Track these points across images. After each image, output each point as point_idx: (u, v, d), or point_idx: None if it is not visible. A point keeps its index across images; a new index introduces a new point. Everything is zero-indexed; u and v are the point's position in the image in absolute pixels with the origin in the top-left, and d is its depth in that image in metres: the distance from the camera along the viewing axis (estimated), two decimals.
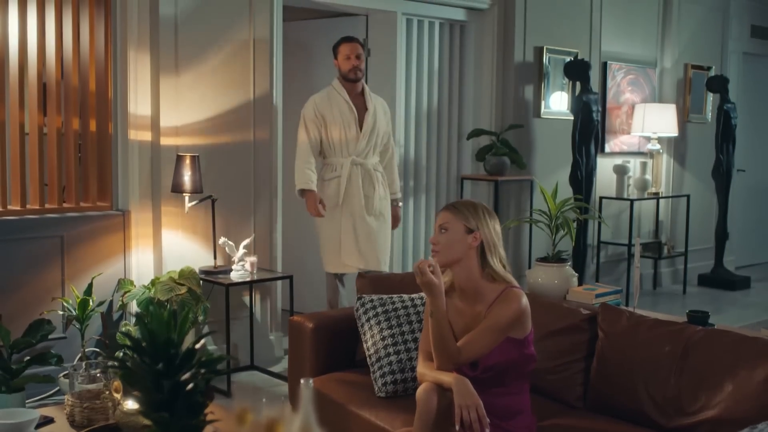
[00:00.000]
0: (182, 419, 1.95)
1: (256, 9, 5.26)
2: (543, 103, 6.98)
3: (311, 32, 6.57)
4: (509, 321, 2.83)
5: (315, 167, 5.15)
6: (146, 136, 4.97)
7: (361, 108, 5.20)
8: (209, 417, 2.06)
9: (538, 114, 6.95)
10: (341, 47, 5.16)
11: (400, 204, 5.56)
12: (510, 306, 2.84)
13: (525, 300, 2.88)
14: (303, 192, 5.11)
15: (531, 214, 6.20)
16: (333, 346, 3.85)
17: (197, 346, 2.00)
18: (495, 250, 2.91)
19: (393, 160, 5.43)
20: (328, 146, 5.18)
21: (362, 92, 5.25)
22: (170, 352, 1.91)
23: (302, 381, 1.84)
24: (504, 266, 2.94)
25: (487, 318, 2.85)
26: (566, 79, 7.08)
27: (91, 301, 4.55)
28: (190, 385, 1.95)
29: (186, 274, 4.78)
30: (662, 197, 8.14)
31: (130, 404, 2.59)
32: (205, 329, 5.00)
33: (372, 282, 4.00)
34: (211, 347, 5.11)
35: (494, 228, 2.93)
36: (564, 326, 3.46)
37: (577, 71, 6.93)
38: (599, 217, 7.23)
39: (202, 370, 1.98)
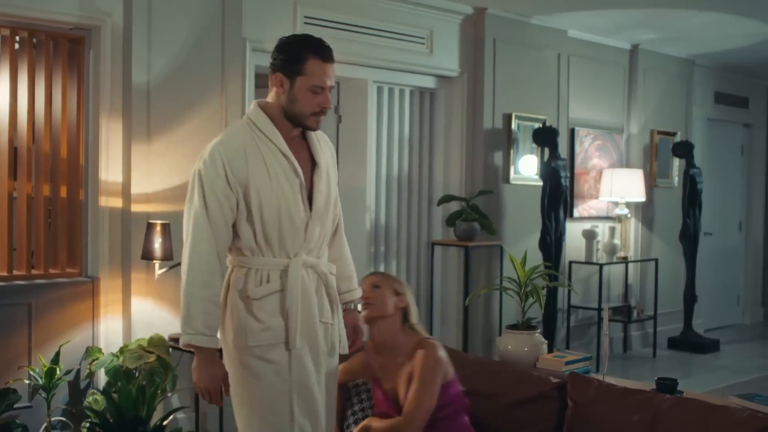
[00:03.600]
0: None
1: (229, 76, 5.31)
2: (512, 168, 7.06)
3: None
4: (438, 366, 3.26)
5: (218, 291, 2.84)
6: (117, 202, 4.96)
7: (305, 161, 2.95)
8: None
9: (507, 180, 7.03)
10: (310, 63, 2.85)
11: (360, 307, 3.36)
12: (433, 353, 3.28)
13: (441, 347, 3.35)
14: (194, 347, 2.81)
15: (501, 281, 6.23)
16: None
17: (165, 422, 1.99)
18: (414, 312, 3.44)
19: (342, 237, 3.23)
20: (249, 236, 2.87)
21: (302, 132, 2.98)
22: (137, 430, 1.91)
23: None
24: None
25: (416, 376, 3.22)
26: (535, 145, 7.18)
27: (58, 369, 4.49)
28: None
29: (155, 342, 4.74)
30: (631, 261, 8.22)
31: None
32: (174, 398, 4.94)
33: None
34: (181, 416, 5.05)
35: (412, 295, 3.49)
36: (533, 395, 3.48)
37: (545, 137, 7.03)
38: (569, 284, 7.28)
39: None
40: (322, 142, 3.06)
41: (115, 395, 1.93)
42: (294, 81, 2.84)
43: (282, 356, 2.85)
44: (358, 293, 3.26)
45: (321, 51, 2.87)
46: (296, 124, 2.91)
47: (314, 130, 2.95)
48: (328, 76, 2.85)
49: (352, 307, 3.22)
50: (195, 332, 2.76)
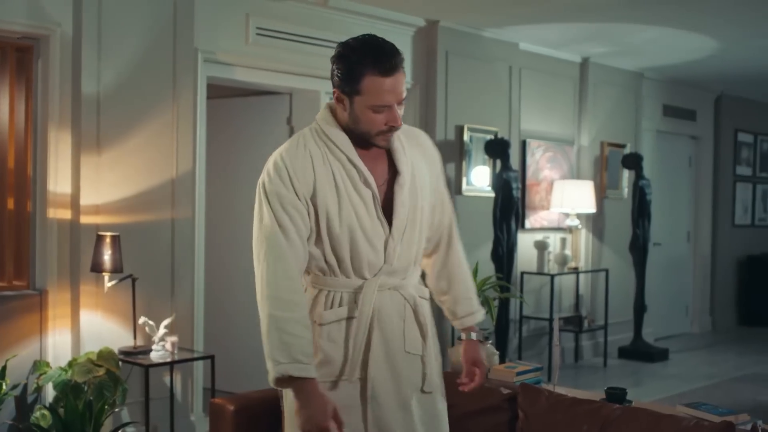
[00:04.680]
0: None
1: (180, 87, 5.28)
2: (465, 179, 7.11)
3: (235, 110, 6.61)
4: None
5: (306, 313, 2.47)
6: (66, 214, 4.90)
7: (382, 170, 2.56)
8: None
9: (459, 191, 7.07)
10: (367, 80, 2.39)
11: (489, 340, 3.01)
12: None
13: None
14: (291, 380, 2.39)
15: None
16: (255, 428, 3.79)
17: None
18: None
19: (455, 251, 2.77)
20: (319, 255, 2.54)
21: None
22: None
23: None
24: None
25: None
26: (487, 157, 7.23)
27: (4, 384, 4.41)
28: None
29: (104, 355, 4.68)
30: (582, 272, 8.30)
31: None
32: (124, 412, 4.89)
33: None
34: (130, 430, 4.99)
35: None
36: (484, 407, 3.49)
37: (497, 149, 7.09)
38: (520, 296, 7.33)
39: None
40: (409, 144, 2.59)
41: (61, 411, 1.90)
42: (353, 100, 2.43)
43: (349, 395, 2.49)
44: (480, 316, 2.79)
45: (379, 64, 2.37)
46: (364, 143, 2.50)
47: (384, 148, 2.52)
48: (390, 91, 2.39)
49: (473, 336, 2.75)
50: (290, 360, 2.33)
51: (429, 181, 2.61)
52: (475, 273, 4.29)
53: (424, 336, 2.60)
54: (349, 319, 2.50)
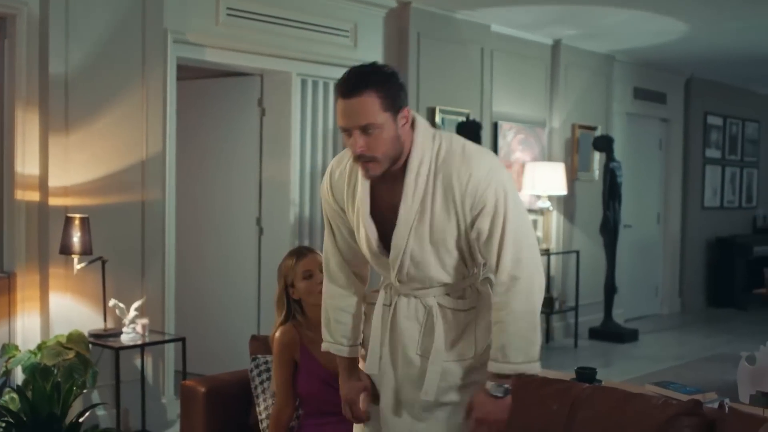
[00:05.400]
0: None
1: (149, 68, 5.23)
2: None
3: (206, 92, 6.56)
4: None
5: (353, 301, 2.66)
6: (34, 196, 4.85)
7: (397, 196, 2.45)
8: None
9: None
10: (337, 100, 2.40)
11: (506, 389, 2.48)
12: None
13: None
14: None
15: None
16: (226, 409, 3.79)
17: (81, 419, 1.96)
18: None
19: (508, 297, 2.40)
20: (360, 258, 2.64)
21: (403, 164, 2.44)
22: (53, 428, 1.87)
23: None
24: None
25: None
26: None
27: None
28: None
29: (74, 338, 4.65)
30: (553, 253, 8.34)
31: None
32: (95, 395, 4.86)
33: (266, 343, 3.96)
34: (101, 413, 4.96)
35: None
36: None
37: (469, 131, 7.07)
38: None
39: None
40: (436, 176, 2.40)
41: (30, 393, 1.90)
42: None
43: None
44: (506, 370, 2.42)
45: (340, 84, 2.35)
46: None
47: (367, 179, 2.42)
48: (345, 114, 2.33)
49: (488, 386, 2.45)
50: (333, 341, 2.65)
51: (449, 219, 2.41)
52: None
53: (438, 344, 2.47)
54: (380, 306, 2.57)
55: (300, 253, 3.39)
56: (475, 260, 2.50)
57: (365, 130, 2.30)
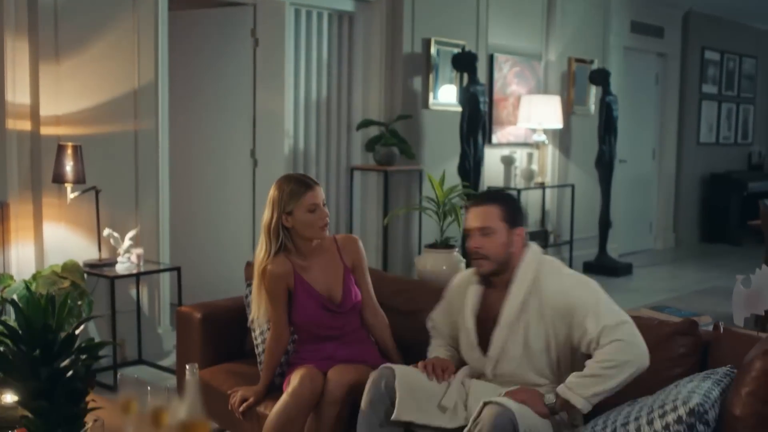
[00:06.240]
0: (62, 408, 1.90)
1: None
2: (431, 94, 7.05)
3: (199, 22, 6.47)
4: None
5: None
6: (25, 125, 4.80)
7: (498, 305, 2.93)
8: (91, 405, 2.01)
9: (426, 105, 7.02)
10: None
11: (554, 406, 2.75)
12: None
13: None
14: None
15: (420, 202, 6.25)
16: (222, 336, 3.80)
17: (77, 331, 1.95)
18: None
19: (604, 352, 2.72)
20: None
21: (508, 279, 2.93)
22: (47, 338, 1.86)
23: (187, 366, 1.81)
24: None
25: (363, 266, 3.47)
26: (454, 71, 7.17)
27: None
28: (70, 372, 1.90)
29: (69, 267, 4.65)
30: (548, 187, 8.33)
31: (9, 398, 2.49)
32: (91, 326, 4.87)
33: None
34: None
35: None
36: None
37: (464, 63, 7.02)
38: None
39: (83, 357, 1.93)
40: (536, 292, 2.91)
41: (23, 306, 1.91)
42: None
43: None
44: (573, 400, 2.72)
45: (472, 198, 3.33)
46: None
47: (477, 274, 3.04)
48: (471, 218, 2.96)
49: (548, 396, 2.76)
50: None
51: (545, 329, 2.83)
52: (441, 181, 4.28)
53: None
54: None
55: (307, 184, 3.27)
56: (560, 368, 2.85)
57: (483, 231, 2.88)
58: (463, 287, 3.07)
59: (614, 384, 2.65)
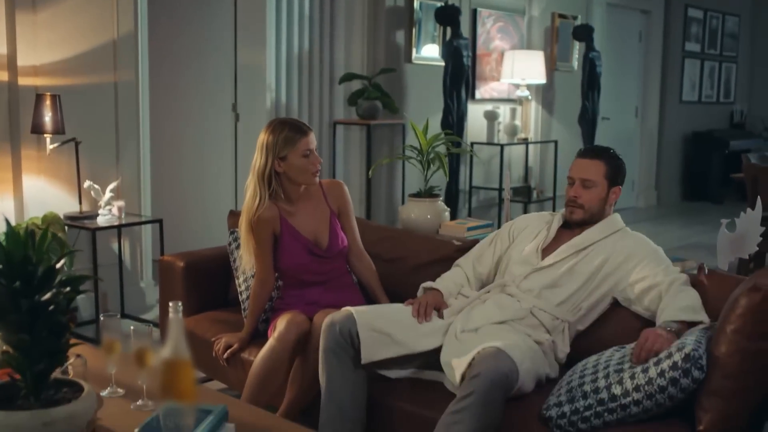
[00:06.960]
0: (44, 342, 1.87)
1: None
2: (414, 48, 6.99)
3: None
4: None
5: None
6: (2, 75, 4.71)
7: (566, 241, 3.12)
8: (73, 340, 1.98)
9: (409, 59, 6.96)
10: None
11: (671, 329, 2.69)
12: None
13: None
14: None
15: (404, 152, 6.21)
16: (205, 284, 3.78)
17: (58, 265, 1.91)
18: None
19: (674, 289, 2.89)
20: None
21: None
22: (28, 270, 1.82)
23: (170, 304, 1.78)
24: None
25: (349, 210, 3.58)
26: (437, 26, 7.10)
27: None
28: (51, 306, 1.87)
29: (49, 219, 4.59)
30: (531, 143, 8.31)
31: None
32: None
33: None
34: (80, 297, 4.94)
35: None
36: (436, 258, 3.50)
37: (447, 17, 6.96)
38: (471, 150, 7.29)
39: (64, 290, 1.90)
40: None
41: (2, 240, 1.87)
42: None
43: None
44: (667, 315, 2.81)
45: (582, 150, 3.27)
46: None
47: (570, 221, 3.17)
48: (576, 168, 3.15)
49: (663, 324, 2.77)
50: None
51: (599, 268, 3.00)
52: (425, 130, 4.25)
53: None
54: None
55: (302, 129, 3.26)
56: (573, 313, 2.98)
57: (585, 183, 3.06)
58: (534, 223, 3.24)
59: (703, 317, 2.71)
